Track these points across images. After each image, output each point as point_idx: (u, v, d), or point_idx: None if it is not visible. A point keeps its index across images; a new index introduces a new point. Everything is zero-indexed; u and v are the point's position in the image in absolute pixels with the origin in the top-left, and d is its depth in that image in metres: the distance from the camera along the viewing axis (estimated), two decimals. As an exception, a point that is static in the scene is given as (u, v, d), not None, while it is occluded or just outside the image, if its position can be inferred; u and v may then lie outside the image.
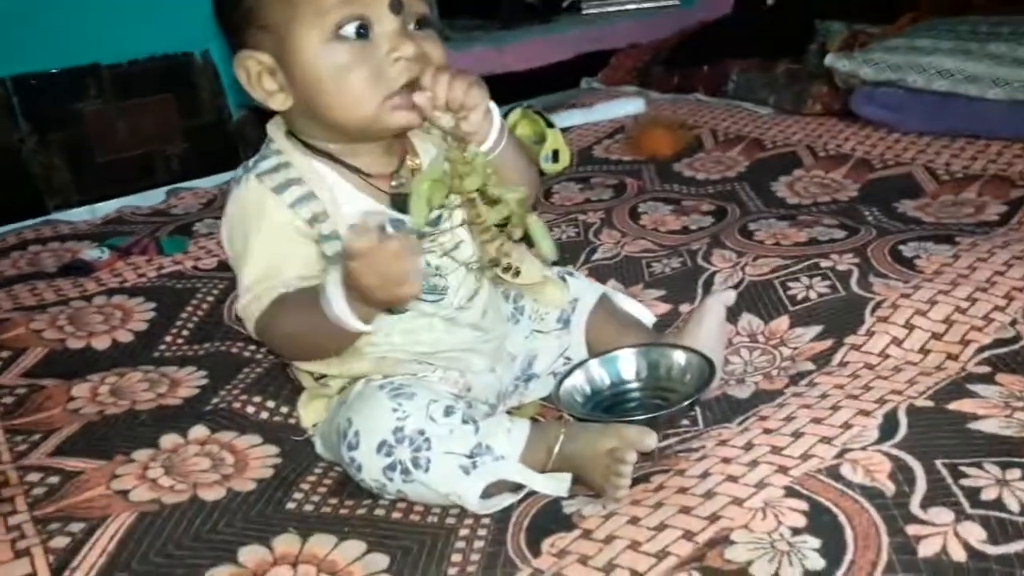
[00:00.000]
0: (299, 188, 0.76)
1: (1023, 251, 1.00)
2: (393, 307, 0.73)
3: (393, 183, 0.79)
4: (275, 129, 0.80)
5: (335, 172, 0.78)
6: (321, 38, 0.71)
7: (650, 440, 0.72)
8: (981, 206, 1.24)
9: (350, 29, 0.71)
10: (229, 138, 1.84)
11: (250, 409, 0.91)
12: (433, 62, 0.74)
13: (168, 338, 1.10)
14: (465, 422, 0.72)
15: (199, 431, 0.86)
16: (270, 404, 0.92)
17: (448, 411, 0.72)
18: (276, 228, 0.75)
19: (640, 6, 2.40)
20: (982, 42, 1.49)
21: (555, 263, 1.12)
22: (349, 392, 0.77)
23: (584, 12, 2.37)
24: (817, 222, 1.20)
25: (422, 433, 0.70)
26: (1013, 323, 0.86)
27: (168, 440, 0.84)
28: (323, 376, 0.80)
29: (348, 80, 0.72)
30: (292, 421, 0.90)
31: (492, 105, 0.78)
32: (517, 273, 0.84)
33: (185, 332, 1.11)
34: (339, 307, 0.69)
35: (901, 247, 1.07)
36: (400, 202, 0.78)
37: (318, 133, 0.77)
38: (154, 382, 0.98)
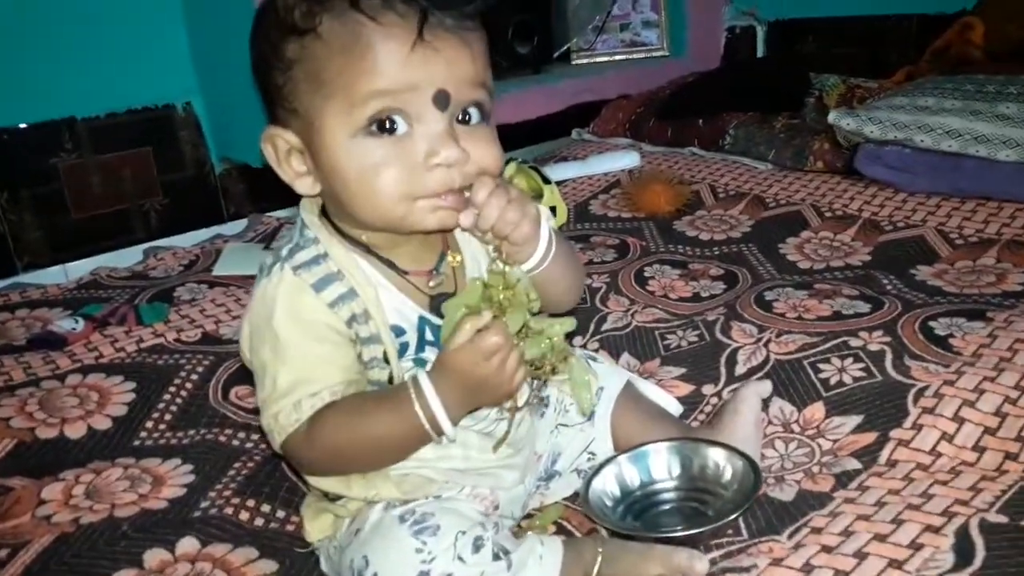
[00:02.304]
0: (339, 285, 0.67)
1: (1061, 330, 0.96)
2: (495, 405, 0.67)
3: (431, 283, 0.71)
4: (309, 212, 0.70)
5: (371, 266, 0.69)
6: (350, 132, 0.63)
7: (701, 566, 0.65)
8: (1002, 274, 1.20)
9: (384, 124, 0.63)
10: (211, 193, 1.76)
11: (244, 515, 0.83)
12: (480, 167, 0.65)
13: (149, 424, 1.02)
14: (496, 557, 0.64)
15: (188, 544, 0.78)
16: (266, 508, 0.84)
17: (477, 545, 0.64)
18: (315, 328, 0.66)
19: (629, 56, 2.37)
20: (991, 102, 1.47)
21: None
22: (363, 517, 0.69)
23: (574, 63, 2.34)
24: (837, 292, 1.15)
25: (450, 577, 0.62)
26: (1069, 417, 0.81)
27: (154, 557, 0.76)
28: (339, 497, 0.71)
29: (376, 181, 0.63)
30: (291, 528, 0.82)
31: (544, 211, 0.70)
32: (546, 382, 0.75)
33: (168, 416, 1.03)
34: (436, 406, 0.63)
35: (932, 323, 1.02)
36: (439, 304, 0.70)
37: (349, 222, 0.69)
38: (135, 479, 0.89)
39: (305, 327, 0.66)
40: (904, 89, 1.63)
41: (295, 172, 0.67)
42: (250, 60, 0.67)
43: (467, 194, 0.65)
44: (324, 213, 0.70)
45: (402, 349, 0.69)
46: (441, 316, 0.70)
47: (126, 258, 1.58)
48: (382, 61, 0.62)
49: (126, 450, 0.96)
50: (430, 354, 0.70)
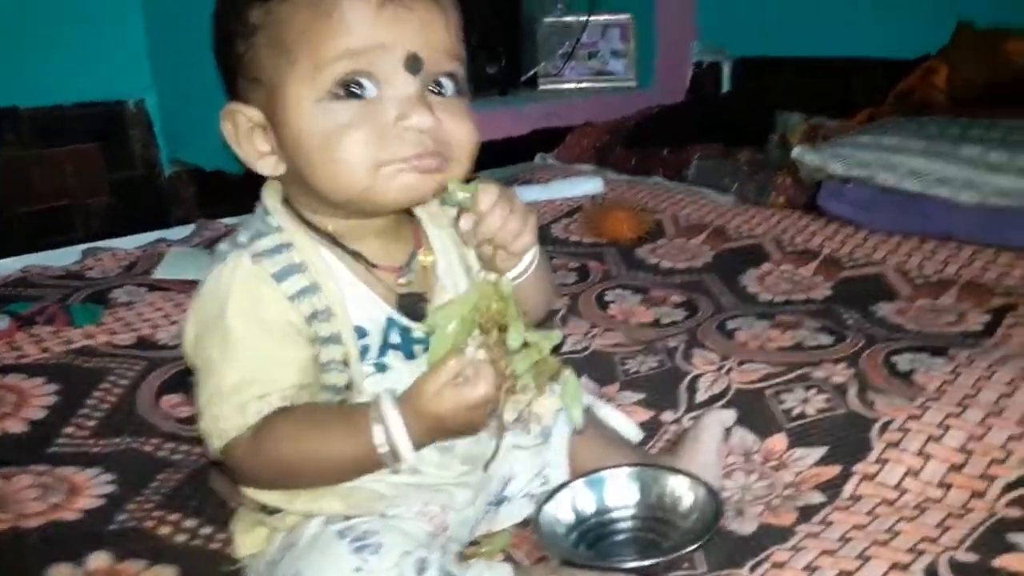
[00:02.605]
0: (302, 277, 0.61)
1: (1023, 370, 0.94)
2: (461, 436, 0.62)
3: (402, 280, 0.66)
4: (272, 199, 0.65)
5: (336, 258, 0.64)
6: (316, 96, 0.59)
7: (656, 599, 0.60)
8: (962, 315, 1.19)
9: (352, 87, 0.59)
10: (159, 196, 1.69)
11: (165, 529, 0.76)
12: (454, 139, 0.61)
13: (70, 430, 0.94)
14: (441, 580, 0.59)
15: (99, 560, 0.71)
16: (189, 523, 0.77)
17: (421, 567, 0.58)
18: (271, 323, 0.60)
19: (596, 85, 2.37)
20: (953, 144, 1.48)
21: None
22: (299, 531, 0.63)
23: (541, 87, 2.32)
24: (799, 324, 1.13)
25: (391, 600, 0.56)
26: (1035, 456, 0.79)
27: (59, 573, 0.69)
28: (278, 510, 0.65)
29: (339, 145, 0.59)
30: (216, 546, 0.75)
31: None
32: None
33: (91, 423, 0.96)
34: (398, 434, 0.57)
35: (895, 358, 1.00)
36: (409, 304, 0.65)
37: (316, 207, 0.64)
38: (48, 488, 0.82)
39: (260, 321, 0.61)
40: (869, 128, 1.64)
41: (257, 151, 0.63)
42: (212, 34, 0.63)
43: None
44: (287, 203, 0.65)
45: (363, 352, 0.64)
46: (410, 317, 0.65)
47: (64, 257, 1.50)
48: (349, 18, 0.58)
49: (41, 456, 0.88)
50: (393, 359, 0.65)
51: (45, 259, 1.49)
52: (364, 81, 0.59)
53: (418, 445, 0.59)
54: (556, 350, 0.64)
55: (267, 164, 0.63)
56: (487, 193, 0.62)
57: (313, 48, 0.58)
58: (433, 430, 0.59)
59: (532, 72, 2.32)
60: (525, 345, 0.61)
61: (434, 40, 0.60)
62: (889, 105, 1.82)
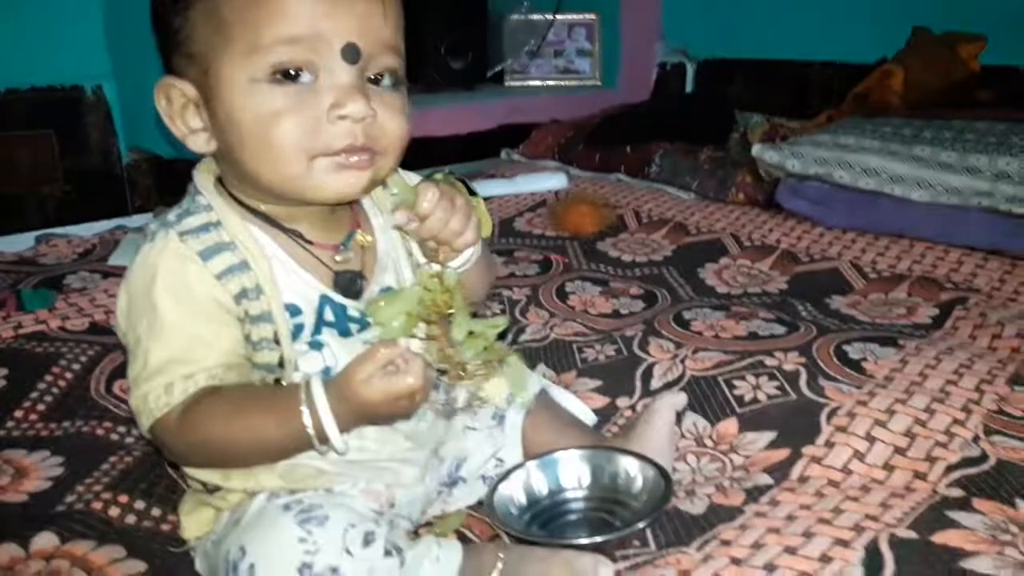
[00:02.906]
0: (230, 255, 0.61)
1: (968, 359, 0.97)
2: (388, 423, 0.63)
3: (338, 257, 0.66)
4: (203, 178, 0.65)
5: (269, 238, 0.64)
6: (250, 76, 0.58)
7: (605, 572, 0.61)
8: (913, 307, 1.22)
9: (288, 73, 0.59)
10: (116, 184, 1.67)
11: (113, 511, 0.75)
12: (386, 130, 0.61)
13: (19, 413, 0.93)
14: (388, 553, 0.59)
15: (45, 540, 0.69)
16: (139, 505, 0.76)
17: (368, 539, 0.58)
18: (197, 301, 0.60)
19: (562, 83, 2.38)
20: (907, 144, 1.51)
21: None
22: (244, 508, 0.63)
23: (507, 84, 2.33)
24: (754, 315, 1.15)
25: (335, 571, 0.56)
26: (976, 439, 0.81)
27: (3, 554, 0.67)
28: (218, 488, 0.65)
29: (273, 130, 0.59)
30: (166, 527, 0.75)
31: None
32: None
33: (41, 406, 0.94)
34: (326, 417, 0.57)
35: (846, 347, 1.02)
36: (345, 282, 0.65)
37: (248, 189, 0.64)
38: (-6, 471, 0.80)
39: (187, 300, 0.60)
40: (827, 128, 1.67)
41: (188, 128, 0.62)
42: (150, 6, 0.62)
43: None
44: (220, 183, 0.65)
45: (296, 330, 0.64)
46: (345, 294, 0.66)
47: (18, 244, 1.47)
48: (291, 5, 0.58)
49: (-12, 440, 0.87)
50: (328, 336, 0.65)
51: (-1, 245, 1.46)
52: (301, 68, 0.59)
53: (344, 429, 0.59)
54: (502, 336, 0.65)
55: (198, 140, 0.63)
56: (427, 193, 0.62)
57: (251, 30, 0.58)
58: (360, 416, 0.59)
59: (498, 68, 2.32)
60: (471, 334, 0.63)
61: (373, 32, 0.60)
62: (847, 106, 1.86)
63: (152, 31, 0.63)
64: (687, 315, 1.16)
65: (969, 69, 1.71)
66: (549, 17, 2.33)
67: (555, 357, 1.08)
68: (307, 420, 0.58)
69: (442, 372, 0.65)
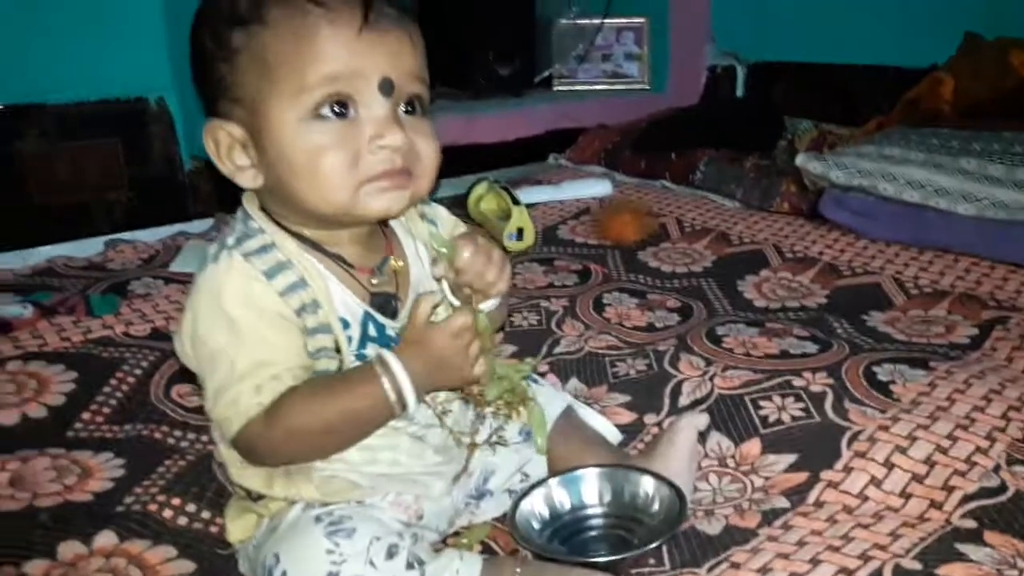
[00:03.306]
0: (290, 273, 0.67)
1: (999, 384, 0.97)
2: (454, 387, 0.70)
3: (375, 280, 0.72)
4: (253, 205, 0.70)
5: (315, 260, 0.69)
6: (298, 116, 0.64)
7: (616, 592, 0.65)
8: (952, 326, 1.21)
9: (331, 108, 0.64)
10: (179, 190, 1.75)
11: (167, 512, 0.81)
12: (421, 156, 0.67)
13: (86, 416, 1.00)
14: (410, 566, 0.63)
15: (106, 538, 0.76)
16: (191, 508, 0.83)
17: (391, 552, 0.63)
18: (267, 314, 0.65)
19: (611, 87, 2.40)
20: (954, 156, 1.49)
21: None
22: (282, 516, 0.68)
23: (555, 88, 2.36)
24: (787, 332, 1.16)
25: (359, 581, 0.61)
26: (996, 469, 0.82)
27: (68, 549, 0.74)
28: (261, 496, 0.71)
29: (322, 163, 0.64)
30: (214, 529, 0.81)
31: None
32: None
33: (106, 409, 1.01)
34: (402, 377, 0.65)
35: (876, 368, 1.03)
36: (381, 302, 0.71)
37: (293, 217, 0.69)
38: (62, 470, 0.88)
39: (258, 312, 0.65)
40: (872, 138, 1.66)
41: (236, 166, 0.67)
42: (191, 56, 0.67)
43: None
44: (264, 211, 0.70)
45: (346, 342, 0.69)
46: (382, 313, 0.71)
47: (87, 248, 1.56)
48: (330, 46, 0.63)
49: (58, 440, 0.94)
50: (371, 350, 0.70)
51: (70, 250, 1.55)
52: (344, 104, 0.64)
53: (419, 388, 0.66)
54: (526, 378, 0.71)
55: (246, 177, 0.68)
56: (465, 248, 0.67)
57: (296, 73, 0.63)
58: (424, 363, 0.66)
59: (546, 73, 2.35)
60: (498, 377, 0.69)
61: (404, 65, 0.66)
62: (897, 113, 1.83)
63: (193, 79, 0.68)
64: (720, 331, 1.18)
65: (1021, 77, 1.68)
66: (597, 21, 2.34)
67: (587, 371, 1.11)
68: (387, 386, 0.64)
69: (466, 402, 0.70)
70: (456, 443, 0.74)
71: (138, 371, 1.08)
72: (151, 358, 1.11)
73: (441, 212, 0.82)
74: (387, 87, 0.65)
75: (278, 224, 0.69)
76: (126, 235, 1.64)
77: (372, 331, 0.70)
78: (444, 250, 0.68)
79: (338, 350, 0.68)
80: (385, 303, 0.71)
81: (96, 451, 0.92)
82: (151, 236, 1.62)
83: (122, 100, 1.67)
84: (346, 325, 0.69)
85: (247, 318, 0.65)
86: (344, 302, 0.69)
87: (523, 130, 2.15)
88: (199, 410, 1.00)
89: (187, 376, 1.05)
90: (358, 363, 0.69)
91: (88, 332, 1.17)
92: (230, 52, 0.64)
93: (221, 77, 0.65)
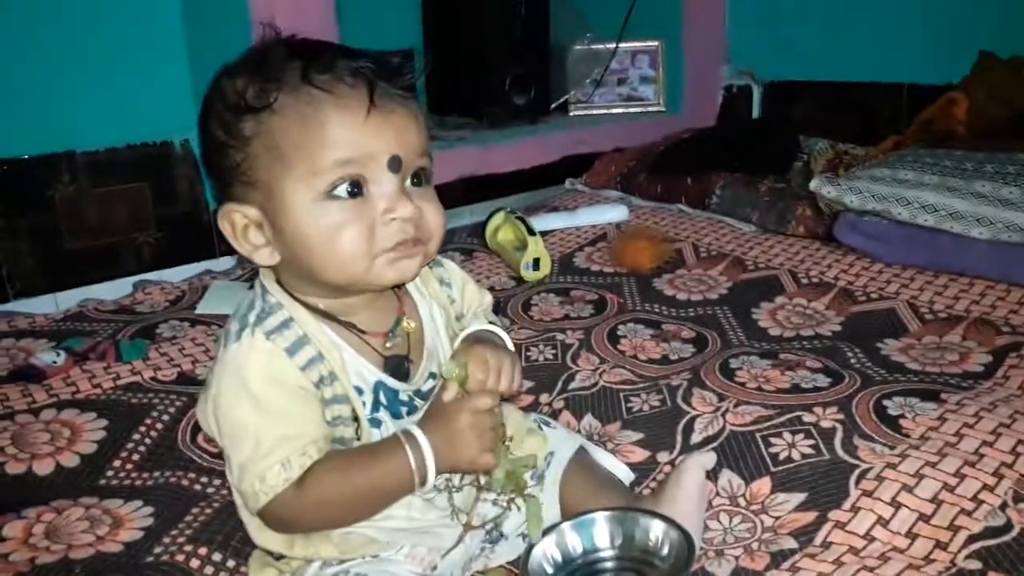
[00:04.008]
0: (310, 348, 0.70)
1: (1010, 416, 0.98)
2: (467, 469, 0.74)
3: (388, 344, 0.75)
4: (269, 280, 0.74)
5: (330, 330, 0.73)
6: (313, 196, 0.67)
7: (624, 641, 0.67)
8: (966, 353, 1.22)
9: (344, 188, 0.67)
10: (204, 229, 1.80)
11: (194, 563, 0.85)
12: (430, 224, 0.71)
13: (117, 463, 1.04)
14: (426, 617, 0.66)
15: (136, 590, 0.80)
16: (216, 557, 0.86)
17: (408, 606, 0.66)
18: (290, 388, 0.69)
19: (626, 110, 2.42)
20: (967, 179, 1.50)
21: (532, 406, 1.10)
22: (301, 573, 0.71)
23: (571, 114, 2.38)
24: (801, 364, 1.17)
25: (376, 638, 0.64)
26: (1003, 507, 0.83)
27: (100, 602, 0.78)
28: (282, 556, 0.74)
29: (339, 240, 0.68)
30: (239, 578, 0.84)
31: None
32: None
33: (136, 456, 1.05)
34: (427, 451, 0.69)
35: (886, 402, 1.04)
36: (395, 365, 0.74)
37: (307, 289, 0.73)
38: (95, 520, 0.91)
39: (281, 387, 0.69)
40: (886, 161, 1.66)
41: (253, 245, 0.71)
42: (200, 144, 0.71)
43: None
44: (279, 284, 0.74)
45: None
46: (395, 376, 0.75)
47: (117, 290, 1.62)
48: (341, 132, 0.66)
49: (91, 489, 0.98)
50: (383, 415, 0.73)
51: (100, 291, 1.61)
52: (358, 183, 0.68)
53: (438, 465, 0.70)
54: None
55: (262, 255, 0.71)
56: (478, 372, 0.72)
57: (309, 158, 0.66)
58: (446, 438, 0.70)
59: (562, 100, 2.38)
60: (509, 474, 0.75)
61: (409, 142, 0.69)
62: (912, 133, 1.83)
63: (204, 164, 0.72)
64: (733, 363, 1.19)
65: (1037, 97, 1.67)
66: (612, 46, 2.37)
67: (602, 406, 1.13)
68: (413, 461, 0.69)
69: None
70: (453, 517, 0.77)
71: (166, 417, 1.12)
72: (178, 403, 1.15)
73: (453, 271, 0.85)
74: (395, 165, 0.68)
75: (293, 297, 0.72)
76: (153, 275, 1.69)
77: (383, 398, 0.73)
78: (457, 373, 0.72)
79: (356, 418, 0.71)
80: (398, 366, 0.75)
81: (126, 499, 0.96)
82: (178, 275, 1.67)
83: (148, 144, 1.72)
84: (359, 392, 0.72)
85: (271, 394, 0.68)
86: (358, 371, 0.72)
87: (540, 157, 2.18)
88: (223, 456, 1.04)
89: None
90: (373, 428, 0.72)
91: (117, 378, 1.21)
92: (242, 140, 0.67)
93: (235, 164, 0.68)
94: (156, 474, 1.02)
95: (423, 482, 0.69)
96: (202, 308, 1.45)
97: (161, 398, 1.16)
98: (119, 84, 1.66)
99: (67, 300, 1.60)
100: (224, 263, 1.77)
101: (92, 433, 1.08)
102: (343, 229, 0.67)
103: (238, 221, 0.70)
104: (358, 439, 0.72)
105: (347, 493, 0.69)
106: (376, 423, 0.73)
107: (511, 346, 0.80)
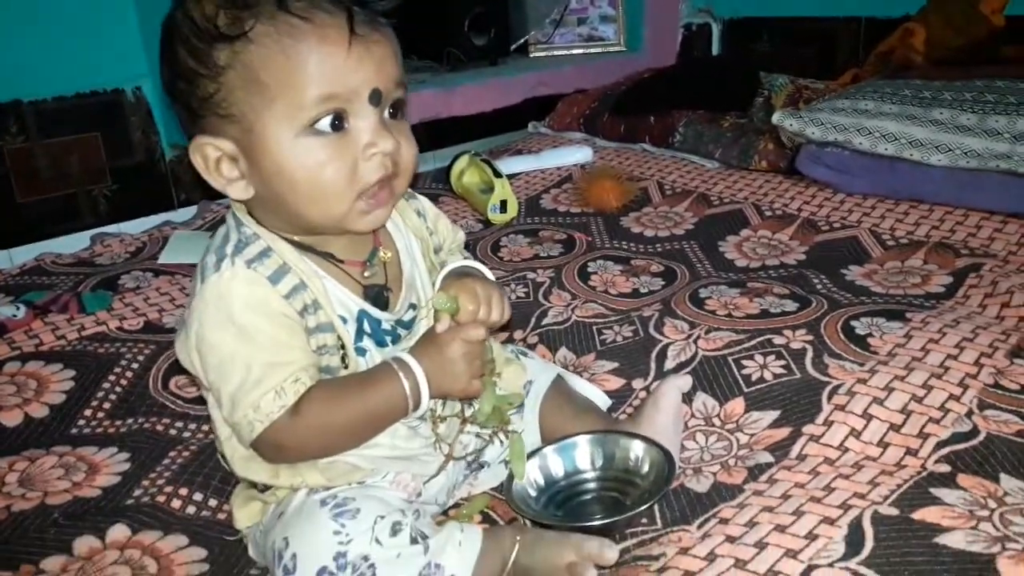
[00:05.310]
0: (292, 277, 0.69)
1: (972, 331, 1.01)
2: (457, 395, 0.75)
3: (367, 273, 0.74)
4: (243, 213, 0.72)
5: (310, 259, 0.71)
6: (295, 131, 0.65)
7: (611, 554, 0.68)
8: (927, 276, 1.25)
9: (326, 123, 0.66)
10: (161, 180, 1.76)
11: (176, 503, 0.84)
12: (404, 158, 0.70)
13: (88, 412, 1.02)
14: (414, 541, 0.67)
15: (119, 532, 0.79)
16: (198, 496, 0.85)
17: (395, 529, 0.66)
18: (276, 316, 0.67)
19: (587, 51, 2.40)
20: (926, 107, 1.52)
21: (509, 340, 1.11)
22: (288, 502, 0.71)
23: (531, 55, 2.35)
24: (768, 291, 1.19)
25: (366, 559, 0.65)
26: (969, 414, 0.86)
27: (83, 544, 0.77)
28: (268, 487, 0.73)
29: (322, 176, 0.66)
30: (222, 516, 0.84)
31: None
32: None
33: (107, 405, 1.04)
34: (420, 377, 0.69)
35: (854, 323, 1.06)
36: (374, 294, 0.74)
37: (278, 223, 0.71)
38: (70, 467, 0.90)
39: (268, 314, 0.67)
40: (846, 92, 1.67)
41: (226, 179, 0.69)
42: (162, 73, 0.68)
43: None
44: (252, 217, 0.72)
45: None
46: (375, 305, 0.74)
47: (73, 244, 1.58)
48: (325, 65, 0.65)
49: (63, 438, 0.97)
50: (368, 343, 0.73)
51: (56, 246, 1.56)
52: (340, 117, 0.66)
53: (432, 393, 0.70)
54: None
55: (237, 188, 0.69)
56: (469, 304, 0.72)
57: (292, 91, 0.64)
58: (437, 366, 0.70)
59: (522, 41, 2.34)
60: (494, 409, 0.76)
61: (389, 73, 0.68)
62: (871, 66, 1.85)
63: (171, 96, 0.69)
64: (703, 293, 1.21)
65: (991, 25, 1.69)
66: (571, -15, 2.33)
67: (576, 340, 1.14)
68: (406, 385, 0.69)
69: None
70: (436, 447, 0.77)
71: (135, 365, 1.10)
72: (147, 351, 1.13)
73: (427, 204, 0.84)
74: (377, 98, 0.67)
75: (268, 229, 0.71)
76: (112, 228, 1.65)
77: (367, 326, 0.73)
78: (447, 305, 0.71)
79: (342, 347, 0.71)
80: (378, 295, 0.74)
81: (101, 447, 0.95)
82: (137, 228, 1.63)
83: (99, 92, 1.66)
84: (344, 320, 0.71)
85: (258, 323, 0.66)
86: (340, 300, 0.72)
87: (501, 100, 2.16)
88: (199, 400, 1.03)
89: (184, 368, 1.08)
90: (359, 357, 0.71)
91: (83, 329, 1.19)
92: (216, 70, 0.64)
93: (208, 95, 0.65)
94: (129, 420, 1.00)
95: (416, 406, 0.70)
96: (165, 258, 1.42)
97: (129, 347, 1.14)
98: (66, 30, 1.59)
99: (22, 256, 1.55)
100: (184, 214, 1.73)
101: (60, 384, 1.06)
102: (326, 166, 0.66)
103: (210, 154, 0.68)
104: (345, 367, 0.72)
105: (342, 418, 0.69)
106: (361, 352, 0.73)
107: (493, 280, 0.80)
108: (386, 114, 0.69)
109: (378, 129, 0.67)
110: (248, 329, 0.66)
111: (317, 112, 0.65)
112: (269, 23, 0.64)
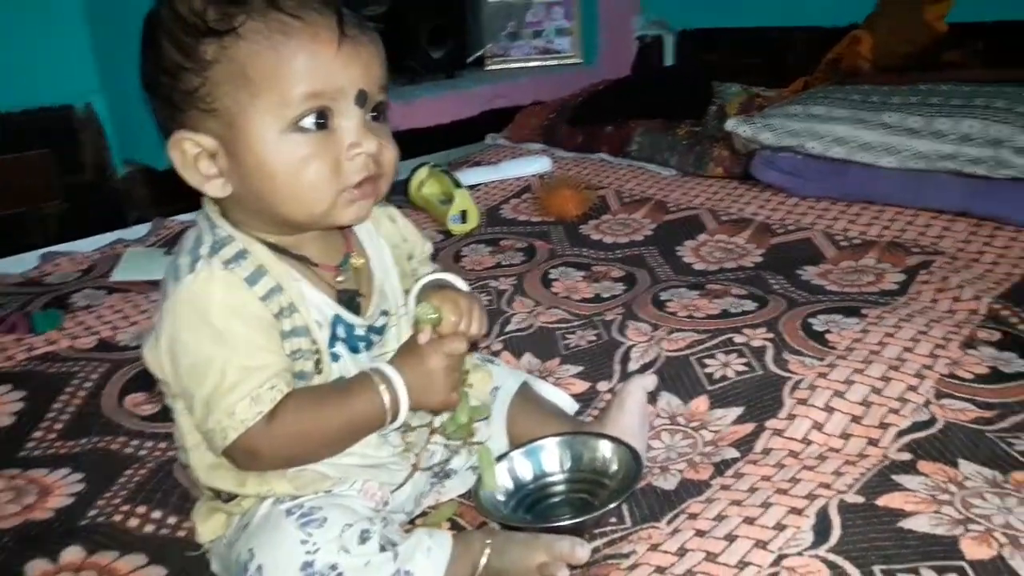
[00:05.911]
0: (268, 279, 0.67)
1: (926, 325, 1.03)
2: (433, 408, 0.75)
3: (340, 278, 0.73)
4: (216, 215, 0.70)
5: (286, 262, 0.70)
6: (279, 128, 0.64)
7: (582, 553, 0.68)
8: (880, 274, 1.27)
9: (311, 120, 0.65)
10: (113, 197, 1.72)
11: (133, 521, 0.82)
12: (385, 159, 0.69)
13: (38, 433, 0.99)
14: (383, 549, 0.65)
15: (73, 553, 0.76)
16: (156, 515, 0.83)
17: (363, 537, 0.65)
18: (253, 318, 0.66)
19: (543, 63, 2.42)
20: (875, 111, 1.55)
21: (473, 348, 1.10)
22: (253, 512, 0.69)
23: (488, 68, 2.36)
24: (727, 292, 1.20)
25: (335, 568, 0.63)
26: (927, 404, 0.87)
27: (35, 568, 0.74)
28: (233, 497, 0.71)
29: (305, 173, 0.65)
30: (182, 533, 0.81)
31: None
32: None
33: (58, 426, 1.01)
34: (400, 389, 0.69)
35: (811, 320, 1.08)
36: (347, 299, 0.73)
37: (257, 224, 0.70)
38: (20, 490, 0.87)
39: (244, 317, 0.66)
40: (799, 98, 1.71)
41: (204, 176, 0.67)
42: (142, 68, 0.67)
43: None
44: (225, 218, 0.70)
45: None
46: (348, 309, 0.73)
47: (22, 264, 1.53)
48: (313, 62, 0.64)
49: (12, 461, 0.93)
50: (341, 349, 0.72)
51: (4, 266, 1.52)
52: (325, 115, 0.65)
53: (411, 405, 0.70)
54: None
55: (214, 186, 0.67)
56: (451, 315, 0.72)
57: (278, 88, 0.63)
58: (417, 378, 0.70)
59: (479, 53, 2.35)
60: (466, 421, 0.76)
61: (374, 75, 0.68)
62: (820, 73, 1.89)
63: (150, 90, 0.67)
64: (664, 296, 1.22)
65: (935, 31, 1.74)
66: (526, -1, 2.35)
67: (540, 345, 1.14)
68: (386, 397, 0.68)
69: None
70: (404, 456, 0.77)
71: (88, 384, 1.07)
72: (100, 370, 1.10)
73: (396, 212, 0.83)
74: (363, 99, 0.67)
75: (242, 231, 0.69)
76: (62, 247, 1.61)
77: (341, 332, 0.72)
78: (429, 316, 0.71)
79: (316, 351, 0.70)
80: (351, 300, 0.73)
81: (52, 468, 0.92)
82: (88, 246, 1.59)
83: (48, 108, 1.62)
84: (319, 325, 0.70)
85: (234, 325, 0.65)
86: (316, 304, 0.70)
87: (459, 111, 2.16)
88: (154, 418, 1.00)
89: (141, 385, 1.05)
90: (333, 363, 0.71)
91: (32, 349, 1.15)
92: (202, 64, 0.63)
93: (192, 89, 0.64)
94: (83, 440, 0.97)
95: (394, 417, 0.69)
96: (118, 275, 1.39)
97: (82, 366, 1.11)
98: (13, 44, 1.55)
99: (-32, 277, 1.50)
100: (137, 231, 1.69)
101: (8, 405, 1.03)
102: (309, 163, 0.65)
103: (189, 150, 0.66)
104: (319, 373, 0.70)
105: (319, 427, 0.68)
106: (335, 357, 0.72)
107: (471, 292, 0.80)
108: (370, 116, 0.68)
109: (362, 130, 0.67)
110: (224, 331, 0.65)
111: (303, 109, 0.64)
112: (260, 19, 0.63)
